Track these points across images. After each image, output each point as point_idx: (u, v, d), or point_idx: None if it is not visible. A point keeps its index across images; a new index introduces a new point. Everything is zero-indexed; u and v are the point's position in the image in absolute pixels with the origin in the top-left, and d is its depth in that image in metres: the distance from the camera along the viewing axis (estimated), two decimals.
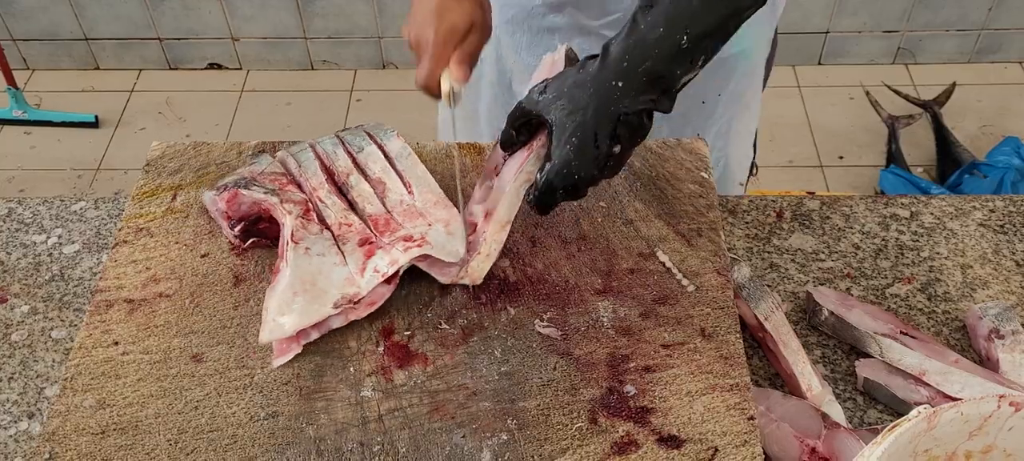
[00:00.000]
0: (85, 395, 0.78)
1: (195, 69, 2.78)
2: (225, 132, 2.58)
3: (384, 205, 0.88)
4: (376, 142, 0.93)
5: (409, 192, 0.89)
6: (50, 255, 1.01)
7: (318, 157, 0.91)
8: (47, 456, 0.74)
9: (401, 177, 0.90)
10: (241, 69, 2.77)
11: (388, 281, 0.83)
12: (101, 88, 2.73)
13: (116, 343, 0.82)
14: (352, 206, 0.88)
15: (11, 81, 2.51)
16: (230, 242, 0.89)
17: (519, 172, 0.83)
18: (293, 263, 0.82)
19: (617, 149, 0.77)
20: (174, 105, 2.67)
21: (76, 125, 2.59)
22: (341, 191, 0.89)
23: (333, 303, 0.80)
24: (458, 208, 0.87)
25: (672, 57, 0.74)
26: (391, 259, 0.82)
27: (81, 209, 1.06)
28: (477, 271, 0.85)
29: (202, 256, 0.89)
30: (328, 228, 0.85)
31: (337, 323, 0.81)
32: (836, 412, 0.82)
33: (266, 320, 0.80)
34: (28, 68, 2.77)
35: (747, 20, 0.76)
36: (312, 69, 2.77)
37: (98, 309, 0.84)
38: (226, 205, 0.88)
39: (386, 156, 0.91)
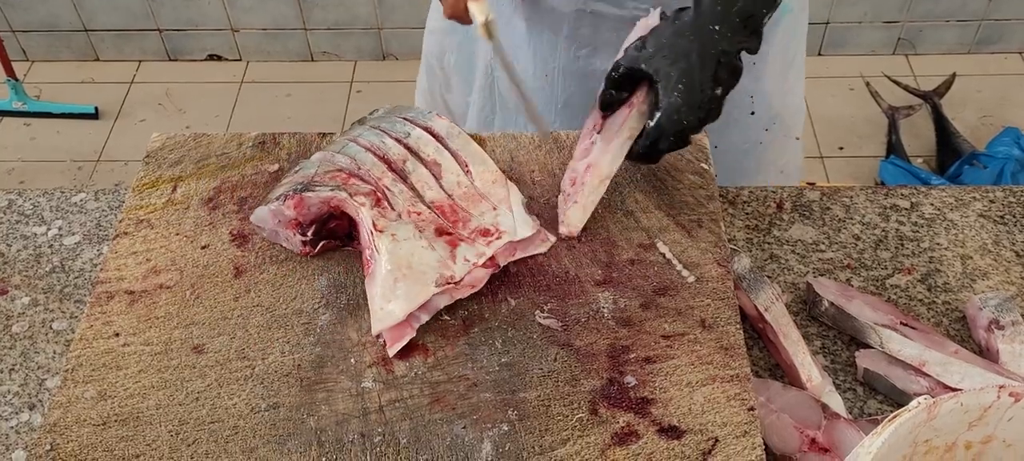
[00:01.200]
0: (86, 386, 0.78)
1: (195, 60, 2.77)
2: (225, 123, 2.58)
3: (442, 188, 0.88)
4: (419, 125, 0.92)
5: (466, 172, 0.89)
6: (51, 247, 1.01)
7: (368, 149, 0.90)
8: (48, 447, 0.75)
9: (456, 157, 0.90)
10: (241, 60, 2.77)
11: (485, 265, 0.83)
12: (101, 79, 2.73)
13: (117, 335, 0.82)
14: (415, 191, 0.88)
15: (10, 72, 2.50)
16: (301, 247, 0.87)
17: (622, 127, 0.85)
18: (386, 250, 0.81)
19: (719, 91, 0.83)
20: (174, 96, 2.67)
21: (76, 116, 2.59)
22: (402, 178, 0.89)
23: (434, 282, 0.80)
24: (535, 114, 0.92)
25: None
26: (477, 252, 0.83)
27: (81, 201, 1.06)
28: (575, 220, 0.87)
29: (202, 247, 0.89)
30: (401, 216, 0.86)
31: (442, 302, 0.82)
32: (836, 403, 0.82)
33: (374, 311, 0.80)
34: (28, 59, 2.77)
35: None
36: (312, 60, 2.76)
37: (99, 301, 0.85)
38: (295, 211, 0.85)
39: (435, 137, 0.92)
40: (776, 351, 0.86)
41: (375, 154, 0.90)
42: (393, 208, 0.85)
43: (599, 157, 0.87)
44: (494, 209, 0.87)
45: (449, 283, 0.81)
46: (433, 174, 0.90)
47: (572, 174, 0.89)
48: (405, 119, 0.94)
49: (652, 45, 0.84)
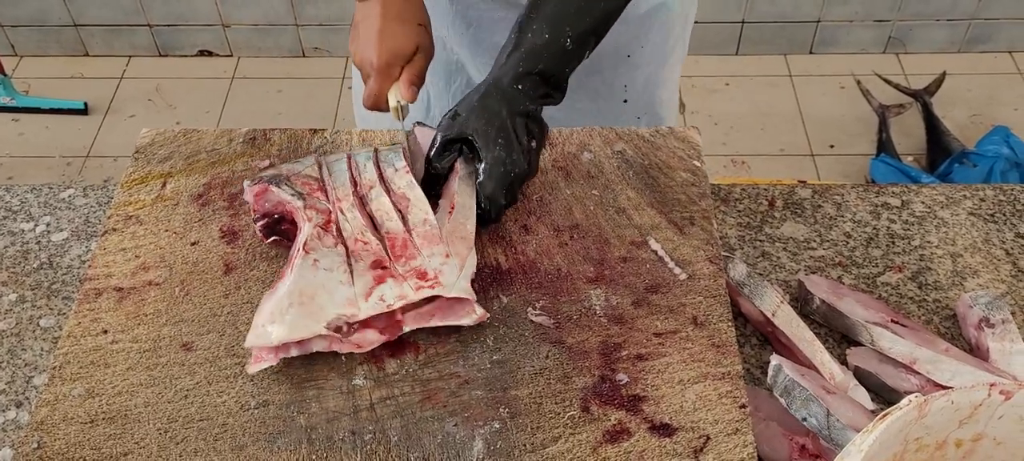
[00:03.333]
0: (74, 384, 0.78)
1: (185, 56, 2.76)
2: (216, 119, 2.57)
3: (405, 223, 0.84)
4: (407, 160, 0.91)
5: (434, 211, 0.86)
6: (38, 243, 1.00)
7: (350, 168, 0.90)
8: (35, 445, 0.74)
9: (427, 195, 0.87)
10: (232, 56, 2.76)
11: (383, 331, 0.79)
12: (90, 75, 2.71)
13: (105, 332, 0.81)
14: (373, 221, 0.85)
15: None
16: (259, 231, 0.87)
17: (454, 195, 0.87)
18: (297, 273, 0.79)
19: (534, 144, 0.88)
20: (164, 92, 2.66)
21: (65, 112, 2.57)
22: (363, 205, 0.87)
23: (326, 323, 0.77)
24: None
25: (561, 56, 0.88)
26: (400, 293, 0.79)
27: (70, 197, 1.05)
28: (449, 280, 0.81)
29: (192, 244, 0.88)
30: (343, 243, 0.82)
31: (317, 347, 0.78)
32: (862, 396, 0.81)
33: (255, 324, 0.77)
34: (16, 54, 2.75)
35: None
36: (303, 56, 2.75)
37: (87, 297, 0.84)
38: (254, 199, 0.87)
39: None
40: (791, 354, 0.85)
41: (352, 173, 0.89)
42: (339, 234, 0.83)
43: (453, 229, 0.85)
44: (445, 258, 0.82)
45: (337, 329, 0.77)
46: (398, 208, 0.86)
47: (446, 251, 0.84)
48: (404, 149, 0.93)
49: (464, 110, 0.88)
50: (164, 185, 0.94)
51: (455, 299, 0.80)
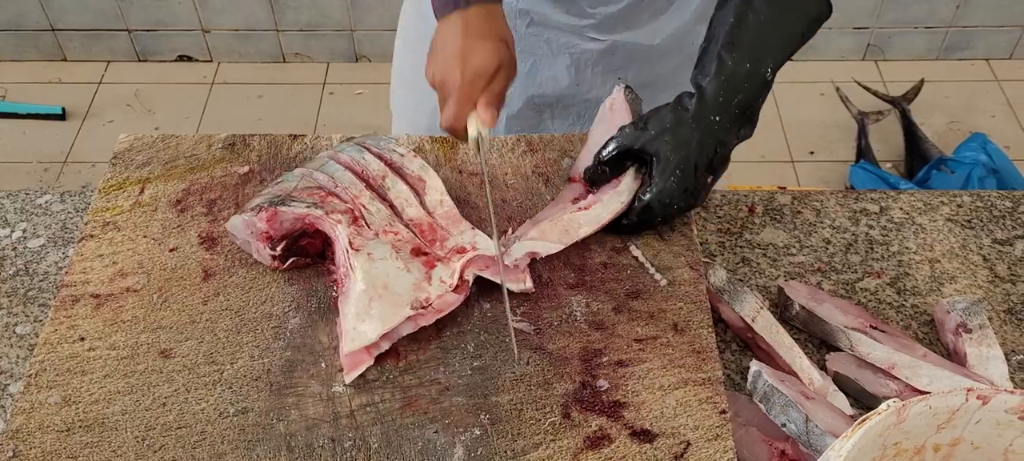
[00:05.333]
0: (50, 392, 0.77)
1: (165, 61, 2.74)
2: (195, 125, 2.55)
3: (424, 206, 0.86)
4: (405, 150, 0.91)
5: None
6: (15, 249, 0.99)
7: (347, 166, 0.89)
8: (10, 454, 0.73)
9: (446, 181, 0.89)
10: (212, 61, 2.74)
11: (456, 289, 0.81)
12: (68, 80, 2.69)
13: (82, 339, 0.81)
14: (393, 209, 0.86)
15: None
16: (271, 261, 0.85)
17: (607, 203, 0.87)
18: (362, 269, 0.79)
19: (710, 179, 0.88)
20: (143, 97, 2.64)
21: (42, 117, 2.54)
22: (382, 195, 0.87)
23: (409, 305, 0.78)
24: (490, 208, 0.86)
25: (759, 88, 0.86)
26: (452, 271, 0.81)
27: (47, 203, 1.04)
28: (518, 253, 0.85)
29: (170, 250, 0.88)
30: (377, 235, 0.83)
31: (406, 330, 0.79)
32: (841, 402, 0.82)
33: (347, 331, 0.77)
34: None
35: None
36: (284, 62, 2.74)
37: (64, 304, 0.83)
38: (267, 224, 0.83)
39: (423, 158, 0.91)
40: (770, 360, 0.86)
41: (353, 171, 0.89)
42: (370, 227, 0.84)
43: (577, 226, 0.86)
44: (473, 229, 0.85)
45: (423, 306, 0.79)
46: (415, 190, 0.88)
47: (537, 224, 0.87)
48: (393, 139, 0.93)
49: (654, 128, 0.86)
50: (142, 191, 0.93)
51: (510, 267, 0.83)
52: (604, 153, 0.88)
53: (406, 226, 0.85)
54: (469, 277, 0.82)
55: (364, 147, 0.91)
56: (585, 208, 0.87)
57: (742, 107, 0.86)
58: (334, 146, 0.96)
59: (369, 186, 0.87)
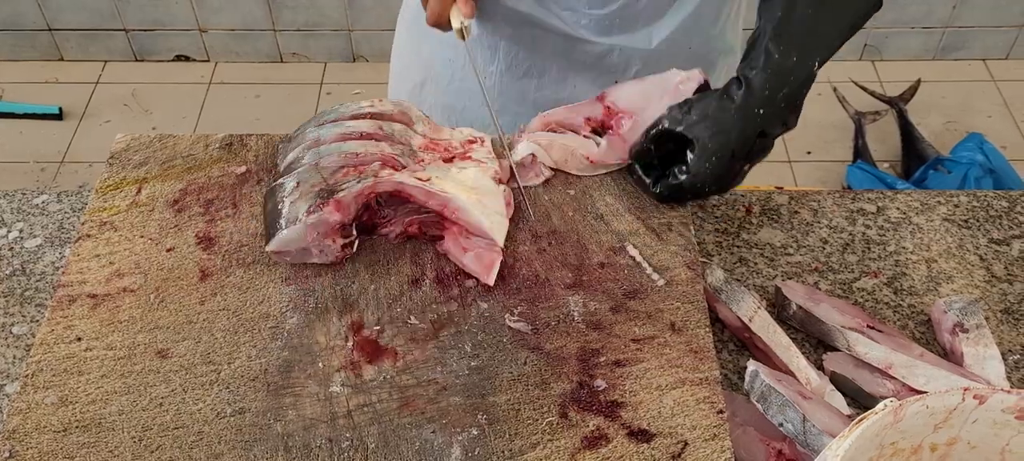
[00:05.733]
0: (47, 392, 0.77)
1: (162, 61, 2.74)
2: (192, 125, 2.55)
3: (417, 133, 0.93)
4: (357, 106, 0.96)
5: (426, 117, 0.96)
6: (11, 249, 0.99)
7: (343, 137, 0.90)
8: (7, 455, 0.73)
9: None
10: (209, 61, 2.74)
11: (505, 181, 0.91)
12: (65, 80, 2.69)
13: (79, 339, 0.80)
14: (403, 144, 0.92)
15: None
16: (341, 251, 0.86)
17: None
18: (449, 184, 0.86)
19: (747, 167, 0.88)
20: (140, 97, 2.64)
21: (39, 117, 2.55)
22: (390, 140, 0.91)
23: (496, 182, 0.89)
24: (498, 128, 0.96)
25: (804, 81, 0.85)
26: (485, 154, 0.92)
27: (43, 203, 1.04)
28: (523, 152, 0.93)
29: (167, 250, 0.88)
30: (420, 165, 0.90)
31: (504, 228, 0.86)
32: (838, 402, 0.82)
33: (492, 226, 0.84)
34: None
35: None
36: (281, 62, 2.74)
37: (60, 304, 0.83)
38: (339, 213, 0.83)
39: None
40: (768, 360, 0.86)
41: (353, 138, 0.89)
42: (406, 166, 0.88)
43: (604, 154, 0.93)
44: (457, 128, 0.96)
45: (500, 178, 0.90)
46: (404, 124, 0.93)
47: (545, 123, 0.95)
48: (342, 106, 0.95)
49: (697, 113, 0.87)
50: (139, 191, 0.93)
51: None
52: (652, 132, 0.90)
53: (421, 151, 0.91)
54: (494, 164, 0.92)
55: (338, 119, 0.92)
56: (591, 161, 0.93)
57: (788, 100, 0.85)
58: (293, 141, 0.94)
59: (377, 139, 0.89)
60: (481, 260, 0.84)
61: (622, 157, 0.93)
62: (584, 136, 0.94)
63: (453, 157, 0.91)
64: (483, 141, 0.94)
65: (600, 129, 0.95)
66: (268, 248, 0.85)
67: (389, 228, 0.88)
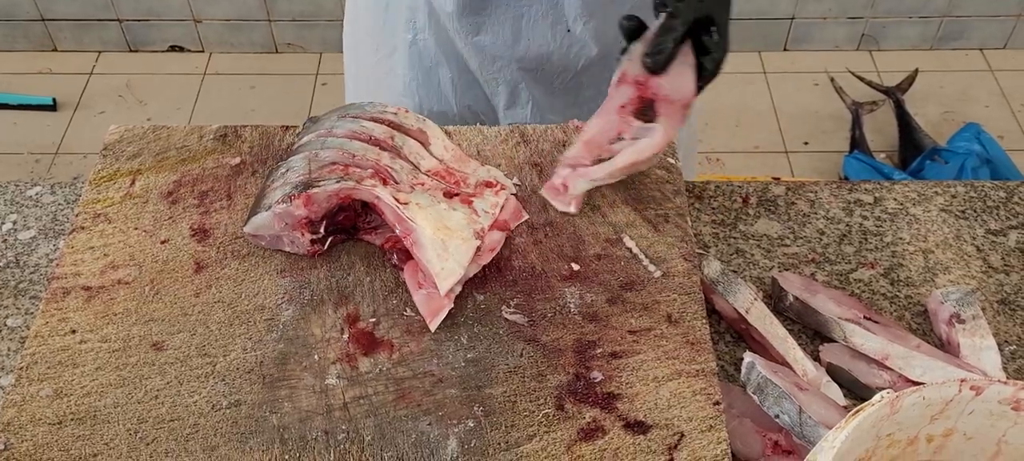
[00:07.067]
0: (41, 384, 0.76)
1: (156, 51, 2.73)
2: (187, 116, 2.54)
3: (433, 155, 0.91)
4: (384, 109, 0.94)
5: (450, 137, 0.93)
6: (5, 241, 0.98)
7: (352, 136, 0.89)
8: (1, 447, 0.73)
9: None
10: (203, 52, 2.73)
11: (497, 226, 0.86)
12: (59, 70, 2.67)
13: (73, 331, 0.80)
14: (411, 164, 0.90)
15: None
16: (310, 246, 0.85)
17: (638, 148, 0.88)
18: (421, 216, 0.82)
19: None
20: (134, 88, 2.63)
21: (33, 108, 2.53)
22: (396, 154, 0.89)
23: (473, 235, 0.82)
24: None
25: None
26: (490, 203, 0.87)
27: (37, 194, 1.03)
28: (579, 190, 0.88)
29: (162, 242, 0.87)
30: (411, 189, 0.87)
31: (471, 271, 0.83)
32: (834, 393, 0.82)
33: (436, 273, 0.80)
34: None
35: None
36: (276, 52, 2.73)
37: (54, 296, 0.83)
38: (306, 209, 0.83)
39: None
40: (764, 351, 0.86)
41: (360, 138, 0.89)
42: (399, 184, 0.86)
43: (651, 141, 0.87)
44: (484, 165, 0.92)
45: (481, 234, 0.83)
46: (421, 142, 0.91)
47: (590, 147, 0.89)
48: (376, 103, 0.94)
49: None
50: (133, 182, 0.93)
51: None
52: (673, 37, 0.86)
53: (427, 176, 0.89)
54: (512, 224, 0.88)
55: (357, 116, 0.92)
56: (661, 151, 0.90)
57: None
58: (315, 124, 0.95)
59: (382, 148, 0.89)
60: (429, 302, 0.81)
61: (682, 121, 0.88)
62: (631, 138, 0.88)
63: (457, 194, 0.87)
64: (501, 189, 0.89)
65: (640, 106, 0.89)
66: (244, 230, 0.85)
67: (372, 236, 0.87)
